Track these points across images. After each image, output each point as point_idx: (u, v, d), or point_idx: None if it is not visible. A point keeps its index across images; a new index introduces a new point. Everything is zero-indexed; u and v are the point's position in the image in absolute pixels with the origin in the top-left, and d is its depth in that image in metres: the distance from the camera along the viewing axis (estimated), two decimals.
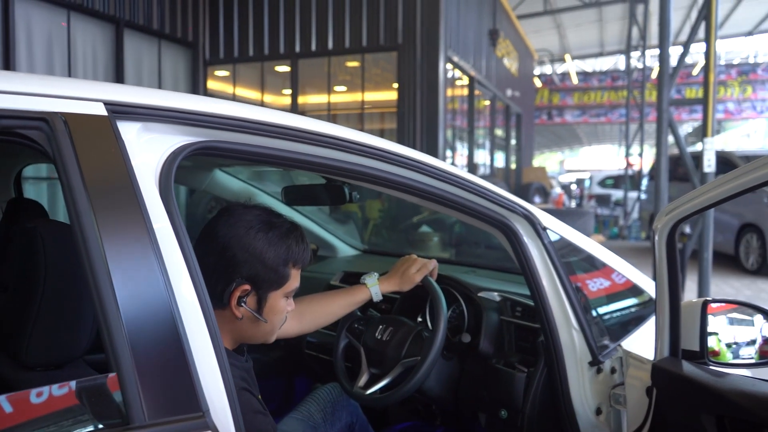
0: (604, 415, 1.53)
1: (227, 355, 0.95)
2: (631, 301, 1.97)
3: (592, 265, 1.79)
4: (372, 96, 7.52)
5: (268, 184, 2.46)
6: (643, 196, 12.59)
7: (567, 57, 20.02)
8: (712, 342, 1.38)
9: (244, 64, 7.62)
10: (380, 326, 1.69)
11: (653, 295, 1.96)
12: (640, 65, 16.13)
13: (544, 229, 1.52)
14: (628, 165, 15.72)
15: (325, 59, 7.29)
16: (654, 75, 17.84)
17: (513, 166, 13.17)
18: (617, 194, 16.60)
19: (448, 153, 7.77)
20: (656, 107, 5.15)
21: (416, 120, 6.79)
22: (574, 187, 20.59)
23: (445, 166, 1.38)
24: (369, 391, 1.59)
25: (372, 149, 1.24)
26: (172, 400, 0.85)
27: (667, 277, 1.36)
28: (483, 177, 8.94)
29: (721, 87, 20.07)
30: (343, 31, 7.03)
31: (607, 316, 1.80)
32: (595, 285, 1.80)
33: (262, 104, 7.90)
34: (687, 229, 5.19)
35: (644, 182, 13.13)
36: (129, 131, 0.95)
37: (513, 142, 13.13)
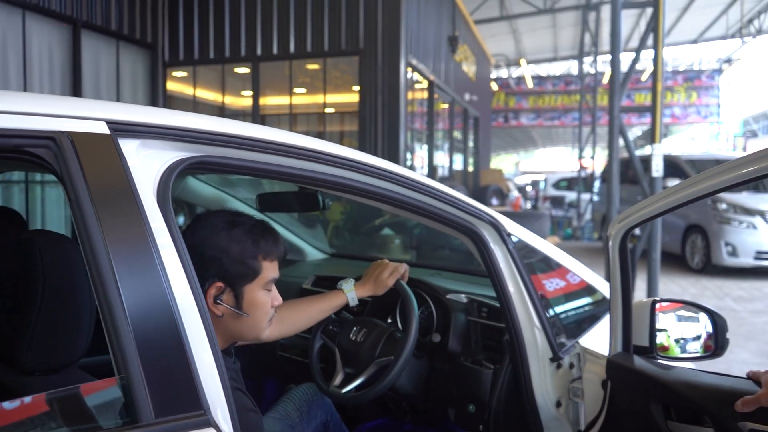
0: (564, 408, 1.64)
1: None
2: (585, 300, 2.10)
3: (548, 266, 1.91)
4: (333, 98, 7.59)
5: (240, 191, 2.51)
6: (596, 198, 13.00)
7: (522, 61, 20.47)
8: (662, 338, 1.51)
9: (205, 66, 7.58)
10: (354, 328, 1.77)
11: (606, 294, 2.10)
12: (592, 70, 16.66)
13: (509, 235, 1.63)
14: (581, 167, 16.19)
15: (287, 62, 7.32)
16: (605, 80, 18.42)
17: (471, 168, 13.42)
18: (571, 196, 17.08)
19: (409, 155, 7.89)
20: (608, 113, 5.38)
21: (378, 123, 6.89)
22: (529, 188, 21.03)
23: (418, 177, 1.47)
24: (345, 390, 1.67)
25: (352, 162, 1.32)
26: (175, 400, 0.92)
27: (620, 279, 1.49)
28: (441, 179, 9.11)
29: (668, 92, 20.86)
30: (305, 35, 7.07)
31: (563, 315, 1.92)
32: (552, 285, 1.92)
33: (222, 106, 7.86)
34: (637, 231, 5.44)
35: (596, 184, 13.56)
36: (129, 148, 1.01)
37: (471, 144, 13.37)
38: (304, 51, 7.08)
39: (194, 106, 7.73)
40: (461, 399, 1.71)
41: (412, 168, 7.92)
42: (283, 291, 2.30)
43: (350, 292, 1.76)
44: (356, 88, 7.15)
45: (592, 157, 15.69)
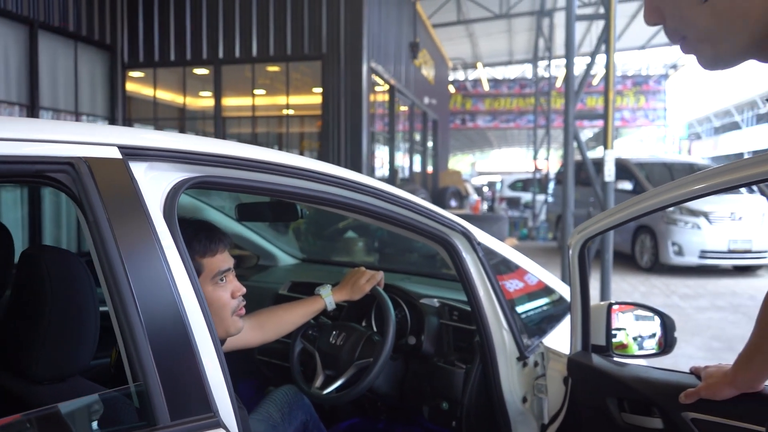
0: (529, 403, 1.78)
1: None
2: (543, 300, 2.25)
3: (507, 267, 2.04)
4: (294, 100, 7.63)
5: (215, 199, 2.58)
6: (550, 199, 13.38)
7: (479, 65, 20.85)
8: (621, 336, 1.66)
9: (166, 68, 7.52)
10: (334, 332, 1.87)
11: (562, 294, 2.26)
12: (546, 74, 17.12)
13: (479, 243, 1.76)
14: (536, 169, 16.61)
15: (250, 64, 7.33)
16: (559, 83, 18.96)
17: (430, 170, 13.63)
18: (526, 197, 17.50)
19: (370, 158, 8.00)
20: (563, 120, 5.61)
21: (340, 127, 6.98)
22: (485, 189, 21.43)
23: (398, 191, 1.58)
24: (326, 391, 1.77)
25: (338, 179, 1.43)
26: (188, 403, 1.01)
27: (579, 285, 1.63)
28: (402, 180, 9.20)
29: (618, 97, 21.57)
30: (268, 39, 7.10)
31: (523, 315, 2.06)
32: (512, 286, 2.05)
33: (183, 107, 7.81)
34: None
35: (551, 186, 13.95)
36: (138, 170, 1.09)
37: (430, 146, 13.59)
38: (266, 55, 7.11)
39: (154, 107, 7.66)
40: (435, 397, 1.84)
41: (372, 170, 8.03)
42: (260, 297, 2.40)
43: (328, 297, 1.87)
44: (317, 90, 7.22)
45: (547, 159, 16.13)
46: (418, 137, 12.07)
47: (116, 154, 1.06)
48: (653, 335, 1.69)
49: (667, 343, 1.64)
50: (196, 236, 1.38)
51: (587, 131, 26.69)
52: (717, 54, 0.71)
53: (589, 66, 5.56)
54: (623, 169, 9.44)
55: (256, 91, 7.76)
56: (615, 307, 1.68)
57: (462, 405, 1.77)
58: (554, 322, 2.23)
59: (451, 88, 21.53)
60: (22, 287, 1.23)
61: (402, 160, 10.74)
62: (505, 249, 2.03)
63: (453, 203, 10.90)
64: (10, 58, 5.97)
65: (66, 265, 1.20)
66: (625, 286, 7.81)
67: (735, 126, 25.42)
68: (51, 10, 6.29)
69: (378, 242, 6.18)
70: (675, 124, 28.99)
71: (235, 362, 2.47)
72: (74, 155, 1.01)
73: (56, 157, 0.99)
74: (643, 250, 9.13)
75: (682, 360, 4.52)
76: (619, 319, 1.67)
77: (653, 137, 32.76)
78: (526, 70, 23.42)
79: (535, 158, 16.81)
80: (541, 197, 15.23)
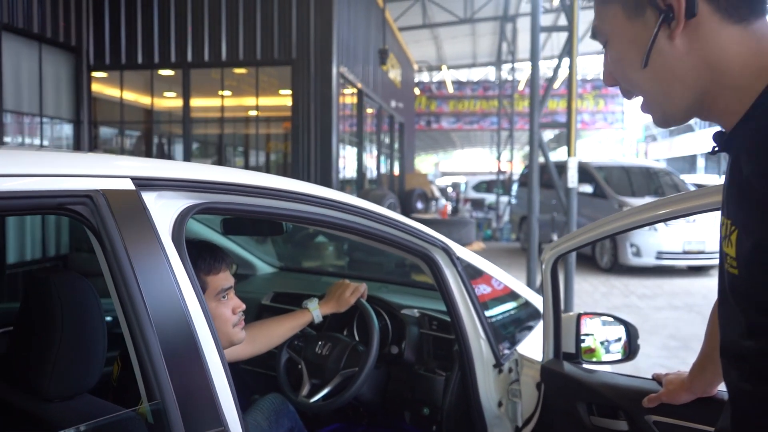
0: (504, 407, 1.90)
1: None
2: (510, 305, 2.38)
3: (475, 272, 2.15)
4: (263, 101, 7.65)
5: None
6: (514, 201, 13.66)
7: (443, 67, 21.10)
8: (589, 341, 1.79)
9: (133, 71, 7.45)
10: (319, 342, 1.96)
11: (528, 298, 2.39)
12: (509, 77, 17.45)
13: (458, 258, 1.87)
14: (500, 171, 16.91)
15: (219, 68, 7.32)
16: (521, 86, 19.33)
17: (396, 172, 13.76)
18: (490, 198, 17.80)
19: (340, 161, 8.07)
20: (529, 129, 5.80)
21: (311, 131, 7.04)
22: (450, 190, 21.70)
23: (384, 211, 1.68)
24: (313, 400, 1.86)
25: (330, 201, 1.52)
26: (201, 418, 1.08)
27: (551, 297, 1.76)
28: (370, 182, 9.28)
29: (579, 100, 22.10)
30: (237, 43, 7.11)
31: (492, 319, 2.17)
32: (479, 291, 2.17)
33: (151, 109, 7.74)
34: (555, 237, 5.88)
35: (514, 187, 14.24)
36: (149, 199, 1.16)
37: (396, 146, 13.72)
38: (236, 59, 7.12)
39: (121, 109, 7.58)
40: (416, 403, 1.94)
41: (338, 172, 8.11)
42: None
43: (315, 310, 1.96)
44: (283, 92, 7.24)
45: (510, 160, 16.44)
46: (385, 141, 12.19)
47: (130, 185, 1.13)
48: (619, 339, 1.83)
49: (631, 350, 1.78)
50: (200, 255, 1.46)
51: (548, 133, 27.25)
52: (665, 114, 0.85)
53: (552, 78, 5.77)
54: (584, 172, 9.73)
55: (224, 93, 7.75)
56: (584, 316, 1.81)
57: (442, 410, 1.88)
58: (521, 325, 2.36)
59: (416, 90, 21.72)
60: (31, 309, 1.28)
61: (369, 162, 10.85)
62: (471, 255, 2.13)
63: (419, 205, 11.04)
64: None
65: (75, 287, 1.26)
66: (587, 286, 8.07)
67: (689, 128, 26.34)
68: (15, 12, 6.18)
69: (347, 246, 6.28)
70: (632, 126, 29.86)
71: None
72: (92, 188, 1.07)
73: (76, 191, 1.06)
74: (603, 251, 9.43)
75: (641, 358, 4.72)
76: (587, 325, 1.80)
77: (612, 139, 33.65)
78: (489, 73, 23.78)
79: (498, 158, 17.12)
80: (504, 199, 15.53)
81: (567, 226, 5.66)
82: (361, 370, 1.81)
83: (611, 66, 0.87)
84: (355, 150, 9.20)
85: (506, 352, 1.94)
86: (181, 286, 1.12)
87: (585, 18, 16.42)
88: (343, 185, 8.32)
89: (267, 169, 8.51)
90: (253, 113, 7.72)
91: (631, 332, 1.77)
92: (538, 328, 2.12)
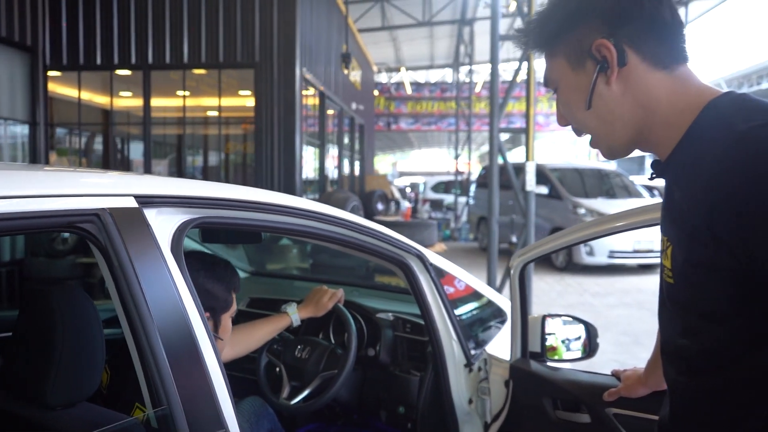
0: (474, 404, 2.01)
1: None
2: (473, 305, 2.50)
3: (439, 273, 2.26)
4: (226, 102, 7.62)
5: None
6: (471, 201, 13.93)
7: (402, 68, 21.29)
8: (551, 340, 1.93)
9: (91, 72, 7.31)
10: (299, 346, 2.04)
11: (490, 297, 2.51)
12: (467, 79, 17.74)
13: (431, 264, 1.98)
14: (458, 171, 17.18)
15: (181, 70, 7.26)
16: (478, 89, 19.66)
17: (357, 174, 13.85)
18: (449, 199, 18.06)
19: (303, 164, 8.11)
20: (488, 135, 5.97)
21: (274, 134, 7.06)
22: (408, 190, 21.89)
23: (364, 221, 1.78)
24: (294, 401, 1.94)
25: (315, 213, 1.61)
26: (205, 422, 1.16)
27: (519, 301, 1.89)
28: (332, 183, 9.33)
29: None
30: (199, 45, 7.07)
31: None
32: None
33: (110, 110, 7.60)
34: (514, 239, 6.08)
35: (472, 188, 14.51)
36: (150, 215, 1.23)
37: (356, 148, 13.80)
38: (198, 61, 7.08)
39: (79, 110, 7.43)
40: (392, 402, 2.04)
41: (302, 174, 8.14)
42: None
43: (294, 314, 2.04)
44: (244, 93, 7.23)
45: (468, 161, 16.73)
46: (346, 142, 12.25)
47: (133, 203, 1.20)
48: (579, 338, 1.97)
49: (591, 348, 1.93)
50: (233, 272, 1.56)
51: (502, 134, 27.73)
52: (610, 148, 1.00)
53: (512, 85, 5.97)
54: (539, 174, 9.99)
55: (184, 94, 7.69)
56: (548, 317, 1.95)
57: (417, 409, 1.99)
58: (485, 324, 2.49)
59: (375, 92, 21.85)
60: (32, 320, 1.33)
61: (331, 164, 10.91)
62: (435, 256, 2.24)
63: (380, 206, 11.14)
64: None
65: (75, 299, 1.31)
66: (543, 285, 8.33)
67: None
68: None
69: (310, 249, 6.33)
70: None
71: None
72: (99, 207, 1.14)
73: (84, 210, 1.12)
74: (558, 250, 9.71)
75: (596, 354, 4.95)
76: (549, 325, 1.94)
77: (565, 141, 34.52)
78: (446, 74, 24.09)
79: (456, 157, 17.39)
80: (462, 199, 15.79)
81: (525, 227, 5.87)
82: (340, 372, 1.90)
83: (562, 109, 1.03)
84: (316, 152, 9.25)
85: (473, 352, 2.06)
86: (182, 295, 1.20)
87: None
88: (306, 187, 8.36)
89: (226, 169, 8.48)
90: (214, 113, 7.69)
91: (591, 331, 1.91)
92: (505, 329, 2.25)
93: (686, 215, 0.84)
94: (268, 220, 1.50)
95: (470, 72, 16.80)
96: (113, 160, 8.14)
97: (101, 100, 7.72)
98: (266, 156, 7.04)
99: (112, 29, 7.18)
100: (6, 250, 5.98)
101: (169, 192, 1.28)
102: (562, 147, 35.89)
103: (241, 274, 3.13)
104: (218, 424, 1.18)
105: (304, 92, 8.61)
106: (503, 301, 2.53)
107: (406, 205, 10.48)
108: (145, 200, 1.22)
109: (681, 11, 16.19)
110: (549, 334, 1.92)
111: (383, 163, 45.96)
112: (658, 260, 9.73)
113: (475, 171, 18.20)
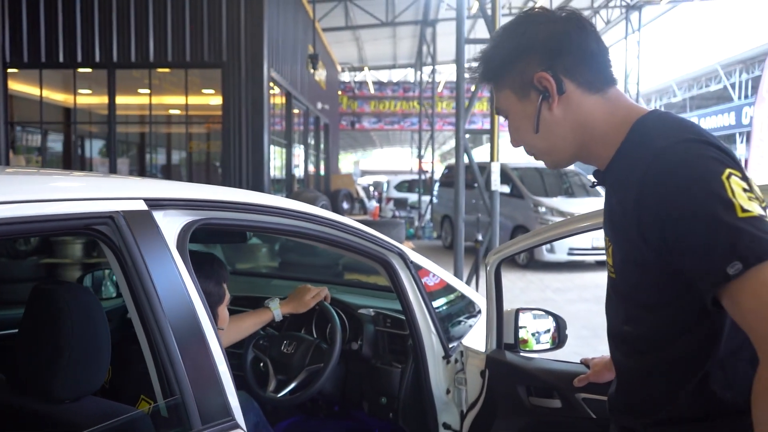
0: (452, 394, 2.13)
1: None
2: (445, 299, 2.62)
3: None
4: (193, 100, 7.59)
5: None
6: (435, 200, 14.11)
7: (365, 68, 21.38)
8: (522, 333, 2.05)
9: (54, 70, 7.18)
10: (284, 341, 2.13)
11: (462, 291, 2.62)
12: (429, 79, 17.94)
13: (412, 262, 2.09)
14: (421, 170, 17.37)
15: (146, 69, 7.20)
16: (440, 88, 19.88)
17: (322, 173, 13.89)
18: (412, 197, 18.24)
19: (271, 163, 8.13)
20: (455, 135, 6.13)
21: (242, 134, 7.07)
22: (371, 189, 21.99)
23: (348, 221, 1.87)
24: (281, 395, 2.03)
25: (306, 214, 1.70)
26: (214, 409, 1.24)
27: (495, 296, 2.01)
28: (299, 183, 9.35)
29: None
30: (165, 44, 7.02)
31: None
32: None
33: (74, 107, 7.47)
34: (480, 237, 6.25)
35: (436, 187, 14.70)
36: (158, 216, 1.31)
37: (322, 147, 13.84)
38: (164, 60, 7.03)
39: (41, 108, 7.29)
40: (374, 394, 2.15)
41: (270, 173, 8.16)
42: None
43: (276, 309, 2.13)
44: (207, 91, 7.22)
45: (431, 161, 16.92)
46: (312, 142, 12.29)
47: (143, 206, 1.27)
48: (548, 331, 2.11)
49: (560, 339, 2.07)
50: (222, 265, 1.63)
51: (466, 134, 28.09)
52: (555, 161, 1.18)
53: (475, 91, 6.14)
54: (501, 173, 10.24)
55: (149, 92, 7.61)
56: (520, 311, 2.08)
57: (398, 399, 2.09)
58: (458, 316, 2.60)
59: (339, 91, 21.88)
60: (40, 318, 1.39)
61: (297, 163, 10.94)
62: (415, 255, 2.35)
63: (345, 205, 11.24)
64: None
65: (82, 298, 1.38)
66: (506, 282, 8.40)
67: None
68: None
69: (278, 247, 6.38)
70: None
71: None
72: (113, 209, 1.21)
73: (100, 213, 1.19)
74: None
75: (565, 345, 5.14)
76: (521, 318, 2.06)
77: None
78: (408, 74, 24.28)
79: (420, 157, 17.58)
80: (426, 198, 15.97)
81: (491, 225, 6.05)
82: (326, 365, 1.99)
83: (513, 134, 1.17)
84: (283, 151, 9.27)
85: (451, 345, 2.18)
86: (189, 290, 1.28)
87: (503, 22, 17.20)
88: (272, 186, 8.38)
89: (190, 167, 8.42)
90: (177, 112, 7.65)
91: (560, 324, 2.05)
92: (481, 323, 2.37)
93: (622, 220, 1.01)
94: (265, 221, 1.59)
95: (433, 72, 16.99)
96: (75, 159, 8.00)
97: (65, 98, 7.58)
98: (234, 155, 7.05)
99: (75, 26, 7.07)
100: None
101: (176, 195, 1.36)
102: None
103: None
104: (225, 411, 1.26)
105: (270, 92, 8.63)
106: (475, 294, 2.66)
107: (373, 204, 10.58)
108: (154, 203, 1.30)
109: (634, 17, 16.69)
110: (521, 327, 2.04)
111: (345, 161, 45.93)
112: None
113: (438, 170, 18.42)
